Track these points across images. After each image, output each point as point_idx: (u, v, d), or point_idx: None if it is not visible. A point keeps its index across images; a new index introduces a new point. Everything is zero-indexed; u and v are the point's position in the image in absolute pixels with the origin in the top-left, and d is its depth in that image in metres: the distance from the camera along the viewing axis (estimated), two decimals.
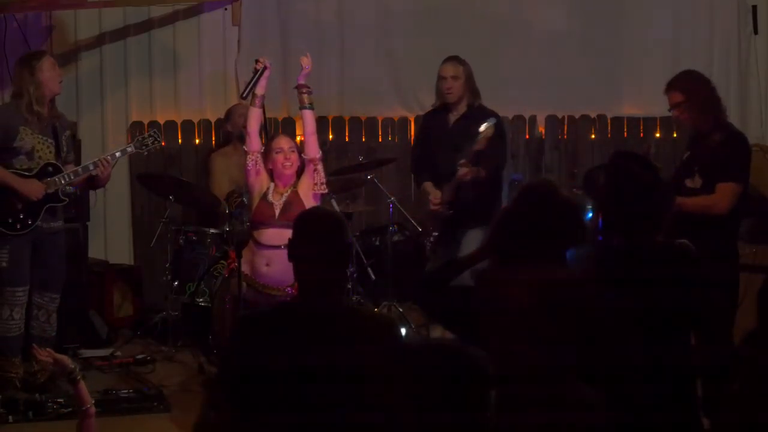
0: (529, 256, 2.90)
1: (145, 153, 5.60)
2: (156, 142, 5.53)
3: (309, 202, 4.99)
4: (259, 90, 5.11)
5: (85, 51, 7.08)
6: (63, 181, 5.24)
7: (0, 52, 6.77)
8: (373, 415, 2.21)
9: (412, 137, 7.38)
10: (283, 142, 5.11)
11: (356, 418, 2.45)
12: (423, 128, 6.15)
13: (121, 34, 7.10)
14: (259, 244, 4.99)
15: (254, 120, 5.11)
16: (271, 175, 5.10)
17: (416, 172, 6.09)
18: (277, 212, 4.97)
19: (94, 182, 5.44)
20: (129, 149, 5.52)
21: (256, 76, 5.10)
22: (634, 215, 3.16)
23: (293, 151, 5.07)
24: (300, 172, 5.12)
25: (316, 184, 5.07)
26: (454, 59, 5.82)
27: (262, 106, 5.17)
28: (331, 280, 2.87)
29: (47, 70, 5.24)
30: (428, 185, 5.83)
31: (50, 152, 5.26)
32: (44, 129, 5.26)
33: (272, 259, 4.91)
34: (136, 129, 6.90)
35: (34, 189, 5.17)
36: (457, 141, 5.64)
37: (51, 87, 5.26)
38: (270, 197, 5.03)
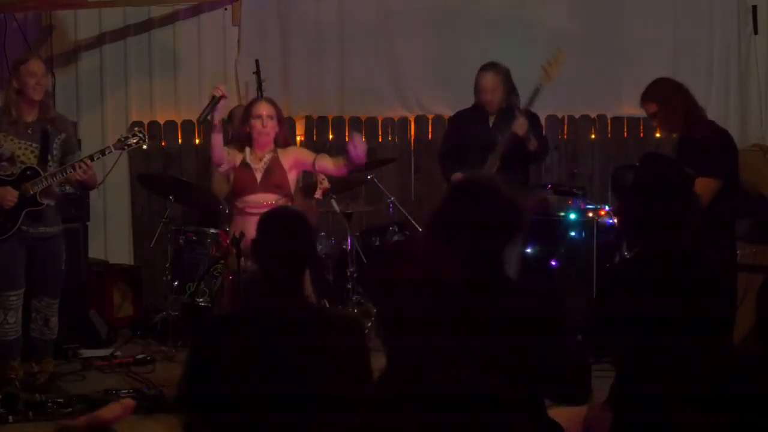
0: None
1: (128, 150, 5.37)
2: (141, 141, 5.29)
3: (291, 175, 4.86)
4: (216, 118, 4.88)
5: (85, 51, 7.08)
6: (38, 186, 5.12)
7: (0, 52, 6.77)
8: (338, 413, 2.21)
9: (413, 137, 7.39)
10: (261, 109, 4.92)
11: (321, 418, 2.44)
12: (455, 128, 6.00)
13: (121, 34, 7.10)
14: (245, 213, 4.80)
15: (216, 147, 4.84)
16: (249, 139, 4.92)
17: (448, 176, 5.80)
18: (258, 177, 4.82)
19: (82, 184, 5.33)
20: (107, 151, 5.27)
21: (211, 104, 4.85)
22: (662, 218, 3.12)
23: (272, 119, 4.89)
24: (281, 140, 4.94)
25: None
26: (492, 68, 5.71)
27: (222, 131, 4.91)
28: (294, 279, 2.85)
29: (24, 76, 5.12)
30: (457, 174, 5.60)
31: (34, 157, 5.16)
32: (28, 134, 5.16)
33: None
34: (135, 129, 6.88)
35: (5, 196, 5.08)
36: (496, 141, 5.59)
37: (26, 93, 5.13)
38: (249, 161, 4.88)
